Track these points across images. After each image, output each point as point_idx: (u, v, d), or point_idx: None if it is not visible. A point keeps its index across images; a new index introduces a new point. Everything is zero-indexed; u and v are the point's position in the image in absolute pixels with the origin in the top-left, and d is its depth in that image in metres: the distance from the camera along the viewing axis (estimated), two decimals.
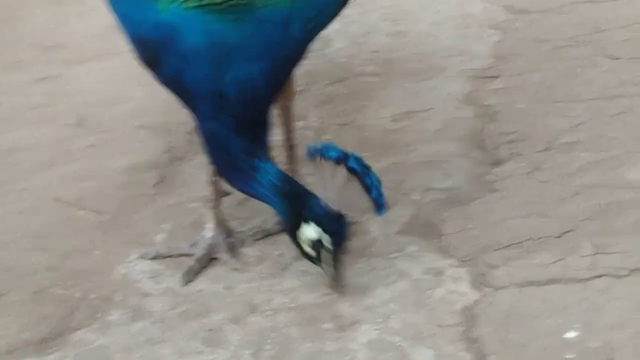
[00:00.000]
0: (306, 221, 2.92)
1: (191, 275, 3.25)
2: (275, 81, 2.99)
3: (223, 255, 3.33)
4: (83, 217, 3.69)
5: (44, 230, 3.62)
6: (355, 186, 2.93)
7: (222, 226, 3.41)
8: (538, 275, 3.08)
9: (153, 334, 2.98)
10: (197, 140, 4.14)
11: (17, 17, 6.13)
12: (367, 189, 2.91)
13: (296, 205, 2.95)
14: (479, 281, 3.09)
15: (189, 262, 3.29)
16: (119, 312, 3.11)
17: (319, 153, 2.94)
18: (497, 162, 3.80)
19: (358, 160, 2.91)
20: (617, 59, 4.62)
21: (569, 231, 3.29)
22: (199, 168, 3.92)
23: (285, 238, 3.36)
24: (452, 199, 3.59)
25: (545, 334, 2.81)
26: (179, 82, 2.95)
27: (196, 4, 2.80)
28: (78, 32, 5.77)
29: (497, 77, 4.59)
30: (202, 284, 3.23)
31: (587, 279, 3.02)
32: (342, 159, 2.89)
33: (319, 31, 3.09)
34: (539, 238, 3.27)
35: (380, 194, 2.92)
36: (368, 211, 3.05)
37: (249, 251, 3.39)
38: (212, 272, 3.29)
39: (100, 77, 5.03)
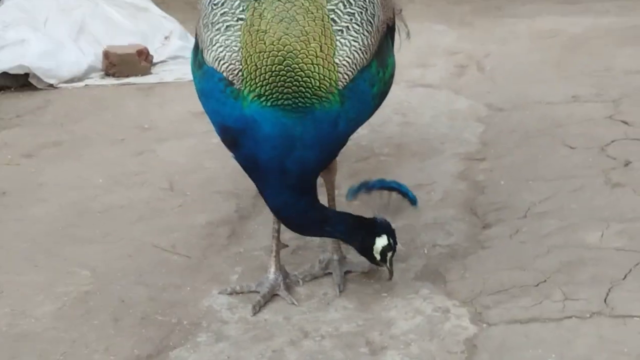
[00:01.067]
0: (379, 235, 3.03)
1: (257, 307, 3.24)
2: (324, 163, 3.05)
3: (282, 293, 3.31)
4: (175, 260, 3.69)
5: (146, 269, 3.62)
6: (394, 199, 3.04)
7: (281, 270, 3.39)
8: (521, 315, 3.07)
9: (230, 353, 2.98)
10: (260, 203, 4.19)
11: (117, 105, 6.18)
12: (405, 194, 3.04)
13: (366, 228, 3.03)
14: (477, 318, 3.08)
15: (257, 297, 3.28)
16: (205, 335, 3.10)
17: (362, 189, 3.04)
18: (486, 226, 3.80)
19: (385, 180, 3.05)
20: (572, 148, 4.62)
21: (543, 281, 3.28)
22: (261, 224, 3.95)
23: (328, 279, 3.42)
24: (453, 253, 3.59)
25: None
26: (253, 161, 2.97)
27: (270, 103, 2.83)
28: (162, 117, 5.80)
29: (484, 159, 4.60)
30: (266, 314, 3.22)
31: (559, 319, 3.01)
32: (379, 184, 3.01)
33: (358, 127, 3.15)
34: (521, 286, 3.26)
35: (412, 194, 3.08)
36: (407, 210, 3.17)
37: (301, 290, 3.39)
38: (274, 305, 3.27)
39: (181, 152, 5.04)
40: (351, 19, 2.96)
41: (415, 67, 6.36)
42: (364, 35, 2.98)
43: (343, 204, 3.49)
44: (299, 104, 2.85)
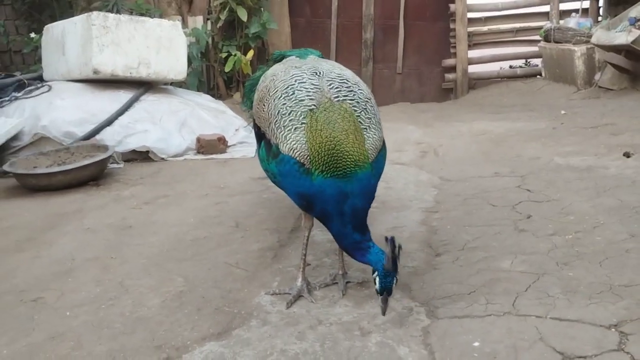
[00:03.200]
0: (374, 272, 2.94)
1: (290, 304, 3.25)
2: (366, 207, 3.05)
3: (306, 295, 3.32)
4: (238, 273, 3.70)
5: (220, 278, 3.63)
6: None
7: (305, 280, 3.40)
8: (459, 312, 3.05)
9: (271, 333, 2.99)
10: (293, 236, 4.23)
11: (204, 173, 6.27)
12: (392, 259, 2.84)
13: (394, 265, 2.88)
14: (430, 314, 3.06)
15: (289, 297, 3.30)
16: (255, 321, 3.12)
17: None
18: (437, 255, 3.78)
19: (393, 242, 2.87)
20: (494, 206, 4.62)
21: (473, 292, 3.25)
22: (294, 250, 3.97)
23: (335, 287, 3.41)
24: (415, 272, 3.57)
25: (462, 343, 2.79)
26: (324, 212, 3.03)
27: (330, 175, 2.94)
28: (232, 180, 5.88)
29: (437, 212, 4.60)
30: (295, 309, 3.22)
31: (483, 316, 3.00)
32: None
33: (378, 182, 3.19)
34: (459, 294, 3.24)
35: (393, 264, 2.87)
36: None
37: (317, 293, 3.38)
38: (300, 303, 3.28)
39: (244, 203, 5.09)
40: (370, 121, 3.11)
41: (394, 151, 6.40)
42: (378, 130, 3.14)
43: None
44: (347, 172, 2.94)
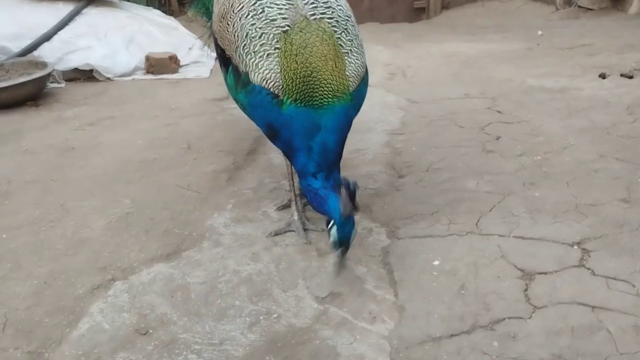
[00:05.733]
0: (330, 222, 2.68)
1: (272, 234, 3.21)
2: (340, 144, 2.86)
3: (299, 232, 3.20)
4: (190, 195, 3.71)
5: (170, 200, 3.63)
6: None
7: (302, 216, 3.32)
8: (420, 232, 3.12)
9: (224, 254, 3.03)
10: (250, 158, 4.23)
11: (154, 93, 6.15)
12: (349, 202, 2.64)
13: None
14: (390, 235, 3.13)
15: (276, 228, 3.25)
16: (207, 242, 3.15)
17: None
18: (401, 176, 3.82)
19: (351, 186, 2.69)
20: (462, 127, 4.66)
21: (436, 212, 3.33)
22: (249, 173, 3.99)
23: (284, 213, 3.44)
24: (377, 193, 3.61)
25: (422, 261, 2.87)
26: (289, 144, 2.86)
27: (303, 104, 2.76)
28: (184, 102, 5.78)
29: (402, 134, 4.62)
30: (249, 229, 3.26)
31: (444, 236, 3.08)
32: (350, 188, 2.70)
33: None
34: (421, 215, 3.30)
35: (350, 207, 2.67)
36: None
37: (275, 215, 3.42)
38: (256, 224, 3.31)
39: (197, 125, 5.02)
40: (352, 44, 2.91)
41: None
42: (360, 55, 2.95)
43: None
44: (324, 102, 2.76)
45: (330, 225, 2.65)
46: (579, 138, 4.23)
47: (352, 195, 2.64)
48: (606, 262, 2.73)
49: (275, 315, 2.55)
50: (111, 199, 3.66)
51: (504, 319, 2.43)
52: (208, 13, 4.10)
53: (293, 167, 3.05)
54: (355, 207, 2.65)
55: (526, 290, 2.59)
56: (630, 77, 5.64)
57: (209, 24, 4.21)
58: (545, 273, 2.69)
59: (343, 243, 2.62)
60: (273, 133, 2.93)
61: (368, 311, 2.55)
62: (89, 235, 3.24)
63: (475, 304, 2.53)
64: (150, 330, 2.49)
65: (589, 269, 2.70)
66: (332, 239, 2.63)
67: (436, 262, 2.85)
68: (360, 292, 2.68)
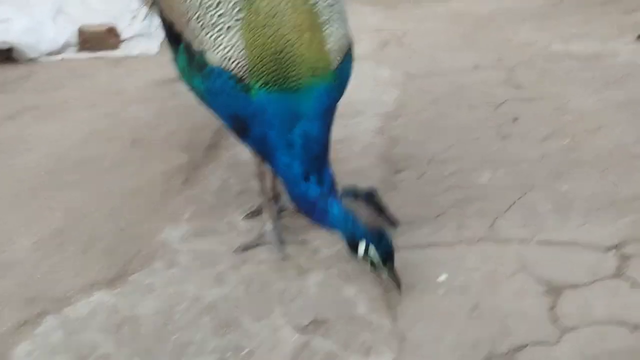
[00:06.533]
0: (360, 240, 2.72)
1: (241, 249, 3.21)
2: (326, 132, 2.88)
3: (274, 244, 3.20)
4: (138, 202, 3.69)
5: (112, 209, 3.62)
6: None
7: (278, 224, 3.31)
8: (422, 241, 3.14)
9: (181, 277, 3.02)
10: (209, 154, 4.23)
11: (90, 75, 6.13)
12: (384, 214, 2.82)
13: (353, 231, 2.76)
14: None
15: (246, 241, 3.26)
16: (160, 262, 3.13)
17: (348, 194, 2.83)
18: (398, 171, 3.85)
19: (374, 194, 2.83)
20: (472, 107, 4.70)
21: (441, 215, 3.35)
22: (210, 173, 4.00)
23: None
24: None
25: (425, 277, 2.89)
26: (263, 140, 2.86)
27: (276, 88, 2.75)
28: (128, 85, 5.77)
29: (398, 117, 4.65)
30: (213, 245, 3.26)
31: (452, 244, 3.11)
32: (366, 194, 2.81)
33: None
34: (423, 218, 3.32)
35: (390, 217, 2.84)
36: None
37: (243, 225, 3.43)
38: (221, 238, 3.32)
39: (145, 113, 5.02)
40: (331, 11, 2.88)
41: None
42: (342, 23, 2.94)
43: None
44: (301, 84, 2.75)
45: (362, 246, 2.70)
46: (615, 116, 4.29)
47: (377, 206, 2.75)
48: None
49: (246, 351, 2.56)
50: (40, 210, 3.65)
51: (527, 345, 2.45)
52: None
53: (275, 173, 3.06)
54: (387, 218, 2.77)
55: (553, 308, 2.62)
56: None
57: None
58: (575, 286, 2.72)
59: (389, 258, 2.69)
60: (241, 128, 2.93)
61: (361, 341, 2.56)
62: (13, 257, 3.23)
63: (492, 327, 2.55)
64: None
65: (628, 279, 2.74)
66: (375, 260, 2.70)
67: (442, 278, 2.87)
68: (351, 319, 2.68)
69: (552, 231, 3.12)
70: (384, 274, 2.74)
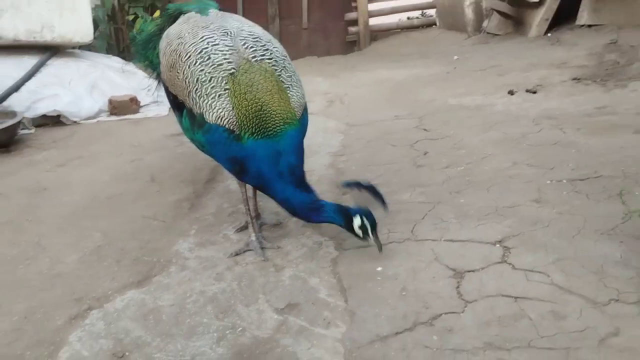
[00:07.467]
0: (354, 216, 2.85)
1: (233, 254, 3.16)
2: (302, 160, 2.94)
3: (257, 251, 3.16)
4: (156, 224, 3.65)
5: (137, 230, 3.56)
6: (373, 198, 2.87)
7: (259, 235, 3.27)
8: (364, 243, 3.01)
9: (190, 277, 2.97)
10: (209, 186, 4.19)
11: (117, 133, 6.07)
12: (381, 200, 2.87)
13: (346, 213, 2.87)
14: (338, 247, 3.13)
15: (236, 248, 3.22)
16: (174, 267, 3.09)
17: (354, 186, 2.91)
18: (344, 193, 3.78)
19: (374, 186, 2.89)
20: (394, 146, 4.73)
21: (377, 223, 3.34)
22: (210, 200, 3.95)
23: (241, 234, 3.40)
24: None
25: (367, 269, 2.87)
26: (260, 175, 2.88)
27: (260, 136, 2.80)
28: (146, 138, 5.72)
29: (343, 155, 4.66)
30: (212, 252, 3.21)
31: (385, 244, 3.03)
32: (370, 187, 2.88)
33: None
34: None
35: (385, 202, 2.88)
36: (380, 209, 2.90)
37: (234, 237, 3.38)
38: (217, 246, 3.28)
39: (159, 159, 4.97)
40: (291, 79, 2.98)
41: None
42: (300, 88, 3.02)
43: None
44: (277, 131, 2.81)
45: (358, 223, 2.83)
46: (495, 149, 4.35)
47: (376, 194, 2.84)
48: (524, 257, 2.80)
49: (240, 329, 2.52)
50: (82, 234, 3.57)
51: (441, 314, 2.45)
52: (152, 65, 4.07)
53: (276, 201, 3.01)
54: (383, 203, 2.86)
55: (458, 287, 2.62)
56: (534, 92, 5.85)
57: (154, 74, 4.18)
58: (473, 271, 2.73)
59: (374, 226, 2.84)
60: (239, 168, 2.93)
61: (323, 318, 2.54)
62: (64, 269, 3.15)
63: (416, 303, 2.55)
64: (127, 353, 2.42)
65: (510, 264, 2.76)
66: (367, 228, 2.83)
67: (379, 269, 2.86)
68: (315, 301, 2.66)
69: (454, 232, 3.14)
70: (370, 240, 2.86)
